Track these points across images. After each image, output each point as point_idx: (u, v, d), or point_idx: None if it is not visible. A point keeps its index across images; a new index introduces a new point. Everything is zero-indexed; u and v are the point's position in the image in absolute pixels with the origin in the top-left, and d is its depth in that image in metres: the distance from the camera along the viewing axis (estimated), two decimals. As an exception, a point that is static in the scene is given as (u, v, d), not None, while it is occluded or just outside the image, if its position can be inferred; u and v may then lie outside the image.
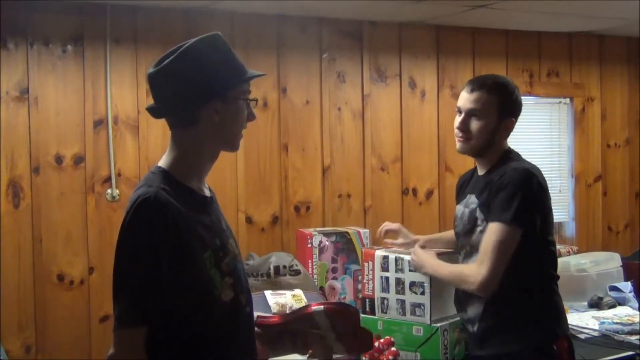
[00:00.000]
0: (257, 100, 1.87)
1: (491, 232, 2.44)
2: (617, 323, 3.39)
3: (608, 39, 4.72)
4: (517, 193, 2.42)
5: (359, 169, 4.01)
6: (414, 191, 4.15)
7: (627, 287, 3.89)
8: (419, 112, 4.17)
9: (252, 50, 3.70)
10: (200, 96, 1.74)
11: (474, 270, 2.47)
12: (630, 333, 3.30)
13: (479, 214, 2.54)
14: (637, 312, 3.58)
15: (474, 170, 2.72)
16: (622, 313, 3.59)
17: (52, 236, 3.32)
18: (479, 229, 2.54)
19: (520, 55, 4.40)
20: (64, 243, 3.34)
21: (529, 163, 2.58)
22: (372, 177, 4.04)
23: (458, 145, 2.61)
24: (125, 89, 3.45)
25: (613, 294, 3.85)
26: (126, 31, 3.45)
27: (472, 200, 2.60)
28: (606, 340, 3.27)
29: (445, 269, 2.67)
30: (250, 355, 1.85)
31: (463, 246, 2.66)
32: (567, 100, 4.66)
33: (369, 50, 4.02)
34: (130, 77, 3.46)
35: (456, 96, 4.26)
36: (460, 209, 2.68)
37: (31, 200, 3.28)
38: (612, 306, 3.74)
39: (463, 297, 2.64)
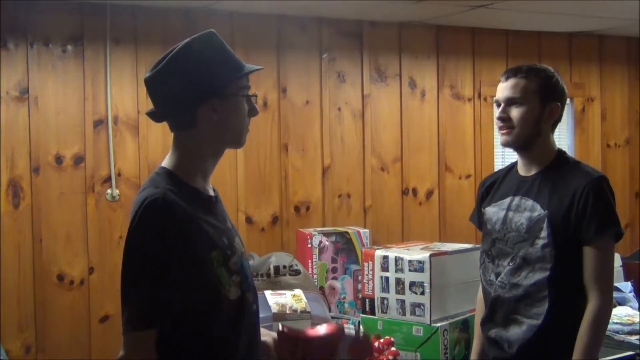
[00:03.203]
0: (256, 96, 1.85)
1: (601, 251, 2.21)
2: (617, 323, 3.38)
3: (608, 39, 4.72)
4: (612, 203, 2.25)
5: (359, 169, 4.01)
6: (414, 191, 4.15)
7: (627, 287, 3.88)
8: (419, 112, 4.17)
9: (252, 50, 3.70)
10: (195, 97, 1.73)
11: (601, 304, 2.21)
12: (630, 333, 3.29)
13: (546, 225, 2.24)
14: (637, 312, 3.57)
15: (509, 169, 2.47)
16: (622, 313, 3.58)
17: (52, 236, 3.32)
18: (540, 242, 2.24)
19: (520, 55, 4.40)
20: (64, 243, 3.34)
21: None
22: (372, 177, 4.04)
23: (501, 138, 2.33)
24: (125, 89, 3.45)
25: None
26: (126, 31, 3.45)
27: (527, 205, 2.31)
28: (606, 340, 3.24)
29: (589, 343, 2.23)
30: (254, 353, 1.84)
31: (506, 254, 2.33)
32: (567, 100, 4.64)
33: (369, 50, 4.02)
34: (130, 77, 3.46)
35: (456, 96, 4.32)
36: (494, 211, 2.39)
37: (31, 200, 3.28)
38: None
39: (507, 314, 2.32)
